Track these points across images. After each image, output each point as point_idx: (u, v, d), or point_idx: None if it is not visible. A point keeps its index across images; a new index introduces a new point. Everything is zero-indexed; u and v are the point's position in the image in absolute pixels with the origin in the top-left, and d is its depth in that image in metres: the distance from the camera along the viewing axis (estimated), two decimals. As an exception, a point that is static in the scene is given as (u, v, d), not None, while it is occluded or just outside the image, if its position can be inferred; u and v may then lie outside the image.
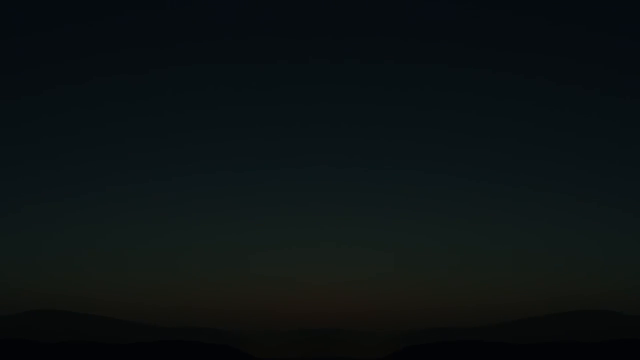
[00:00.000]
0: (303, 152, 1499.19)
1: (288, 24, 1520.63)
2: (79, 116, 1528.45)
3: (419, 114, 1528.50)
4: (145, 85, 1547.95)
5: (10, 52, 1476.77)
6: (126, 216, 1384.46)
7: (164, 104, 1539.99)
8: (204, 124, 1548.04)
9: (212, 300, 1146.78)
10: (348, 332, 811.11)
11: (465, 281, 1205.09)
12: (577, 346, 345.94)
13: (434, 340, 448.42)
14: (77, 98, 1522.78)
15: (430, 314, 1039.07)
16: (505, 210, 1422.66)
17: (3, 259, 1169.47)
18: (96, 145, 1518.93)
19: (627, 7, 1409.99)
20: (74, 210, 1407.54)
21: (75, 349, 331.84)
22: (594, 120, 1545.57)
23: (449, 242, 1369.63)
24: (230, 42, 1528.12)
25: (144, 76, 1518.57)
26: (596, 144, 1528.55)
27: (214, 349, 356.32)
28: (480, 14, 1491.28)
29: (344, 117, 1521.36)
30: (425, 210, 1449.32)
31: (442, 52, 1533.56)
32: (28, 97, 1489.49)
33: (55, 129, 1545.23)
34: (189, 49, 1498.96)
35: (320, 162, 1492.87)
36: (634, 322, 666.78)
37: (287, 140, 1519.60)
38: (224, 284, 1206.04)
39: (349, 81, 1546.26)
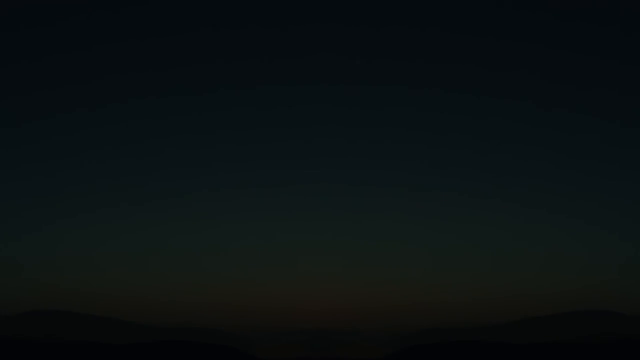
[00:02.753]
0: (301, 157, 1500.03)
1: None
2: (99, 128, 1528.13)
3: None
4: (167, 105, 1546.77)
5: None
6: (128, 217, 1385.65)
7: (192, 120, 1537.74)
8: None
9: (212, 300, 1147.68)
10: (348, 332, 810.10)
11: (465, 281, 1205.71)
12: (578, 346, 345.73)
13: (434, 340, 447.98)
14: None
15: (430, 314, 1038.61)
16: (506, 210, 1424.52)
17: (3, 259, 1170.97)
18: (102, 145, 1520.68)
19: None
20: (75, 211, 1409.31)
21: (75, 349, 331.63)
22: (595, 119, 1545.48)
23: (448, 241, 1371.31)
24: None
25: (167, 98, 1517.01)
26: (596, 143, 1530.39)
27: (214, 349, 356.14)
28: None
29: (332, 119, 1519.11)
30: (425, 210, 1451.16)
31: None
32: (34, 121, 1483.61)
33: (61, 131, 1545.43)
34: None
35: (318, 166, 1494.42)
36: (634, 322, 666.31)
37: (285, 143, 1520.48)
38: (223, 284, 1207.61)
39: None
